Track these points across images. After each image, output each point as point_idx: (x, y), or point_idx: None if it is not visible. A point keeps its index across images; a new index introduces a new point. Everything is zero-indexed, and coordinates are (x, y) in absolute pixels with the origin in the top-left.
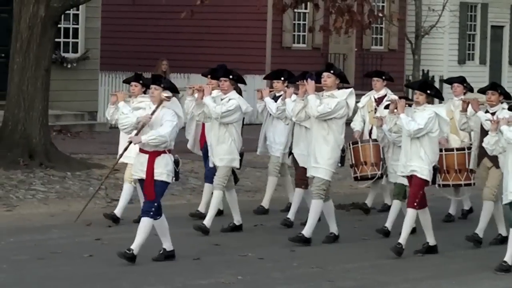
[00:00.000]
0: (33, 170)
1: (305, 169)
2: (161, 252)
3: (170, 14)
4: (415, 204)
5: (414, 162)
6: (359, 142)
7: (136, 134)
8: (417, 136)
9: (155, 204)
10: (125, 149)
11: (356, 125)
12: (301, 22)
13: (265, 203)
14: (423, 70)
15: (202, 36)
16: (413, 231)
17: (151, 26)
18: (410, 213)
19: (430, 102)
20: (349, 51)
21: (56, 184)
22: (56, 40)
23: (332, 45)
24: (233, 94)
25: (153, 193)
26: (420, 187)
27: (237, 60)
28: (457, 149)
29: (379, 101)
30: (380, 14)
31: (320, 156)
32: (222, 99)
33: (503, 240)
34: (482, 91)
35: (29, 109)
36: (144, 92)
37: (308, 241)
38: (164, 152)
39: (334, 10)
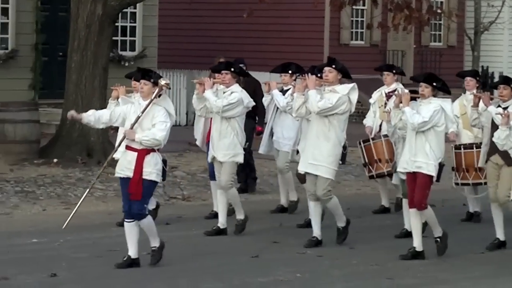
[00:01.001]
0: (91, 168)
1: None
2: (124, 258)
3: (228, 11)
4: (423, 204)
5: (419, 157)
6: (371, 140)
7: (119, 146)
8: (422, 130)
9: (145, 205)
10: (120, 143)
11: (368, 121)
12: (359, 19)
13: (284, 201)
14: (482, 67)
15: (260, 33)
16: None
17: (209, 24)
18: (425, 214)
19: (436, 95)
20: (407, 48)
21: (114, 182)
22: (114, 38)
23: (390, 42)
24: (236, 87)
25: (139, 193)
26: (426, 185)
27: (294, 58)
28: (477, 147)
29: (389, 95)
30: (439, 11)
31: (320, 153)
32: (224, 92)
33: (501, 245)
34: (494, 85)
35: (86, 108)
36: None
37: (320, 243)
38: (153, 150)
39: (392, 6)
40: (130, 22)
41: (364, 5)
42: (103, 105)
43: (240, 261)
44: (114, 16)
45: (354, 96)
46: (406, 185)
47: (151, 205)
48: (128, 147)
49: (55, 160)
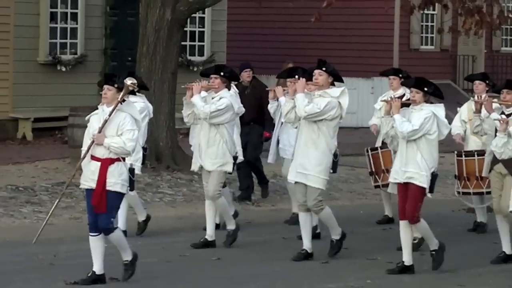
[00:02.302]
0: (160, 173)
1: None
2: (89, 274)
3: (296, 16)
4: (415, 217)
5: (410, 167)
6: (379, 149)
7: (86, 153)
8: (413, 139)
9: (112, 219)
10: (88, 150)
11: (373, 120)
12: (429, 24)
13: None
14: None
15: (328, 38)
16: None
17: (277, 29)
18: (418, 226)
19: (428, 101)
20: (478, 53)
21: (183, 187)
22: (182, 43)
23: (461, 47)
24: (225, 92)
25: (103, 205)
26: (418, 197)
27: (363, 63)
28: (478, 154)
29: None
30: (511, 15)
31: (308, 162)
32: (213, 98)
33: (507, 259)
34: (497, 90)
35: (155, 113)
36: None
37: (311, 255)
38: (118, 159)
39: (463, 11)
40: (199, 27)
41: (434, 9)
42: (171, 110)
43: (310, 266)
44: (183, 21)
45: (345, 101)
46: (398, 197)
47: (141, 217)
48: (92, 157)
49: None
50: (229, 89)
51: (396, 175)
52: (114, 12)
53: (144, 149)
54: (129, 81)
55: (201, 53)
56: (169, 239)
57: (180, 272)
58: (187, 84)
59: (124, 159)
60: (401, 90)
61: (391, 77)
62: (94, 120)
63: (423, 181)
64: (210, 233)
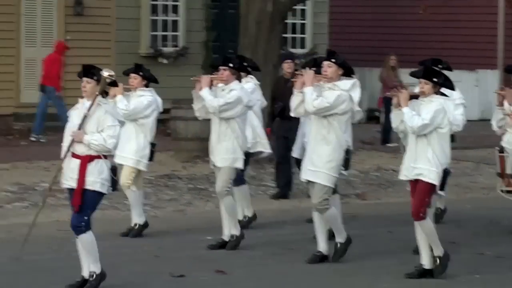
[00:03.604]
0: (263, 166)
1: None
2: (78, 279)
3: (399, 8)
4: (421, 214)
5: (420, 163)
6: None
7: (67, 150)
8: (423, 133)
9: (85, 218)
10: (69, 148)
11: None
12: None
13: None
14: None
15: (432, 30)
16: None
17: (379, 21)
18: (422, 225)
19: (438, 92)
20: None
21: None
22: (284, 35)
23: None
24: (235, 84)
25: (77, 203)
26: (426, 193)
27: (467, 55)
28: None
29: None
30: None
31: (319, 158)
32: (222, 90)
33: None
34: None
35: None
36: (146, 86)
37: (349, 242)
38: (98, 157)
39: None
40: (300, 19)
41: None
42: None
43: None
44: (284, 13)
45: (356, 94)
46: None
47: (140, 220)
48: (72, 154)
49: None
50: (239, 81)
51: (406, 172)
52: (215, 4)
53: (152, 144)
54: (105, 73)
55: (302, 46)
56: (273, 232)
57: (285, 266)
58: (195, 76)
59: (105, 156)
60: None
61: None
62: (74, 115)
63: (433, 178)
64: (226, 233)
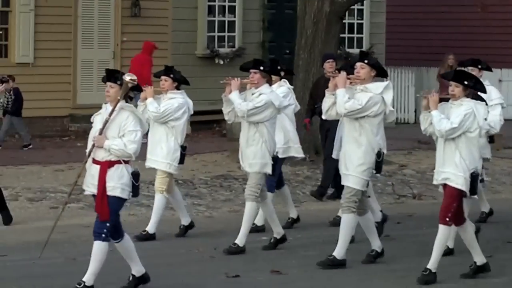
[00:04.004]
0: (319, 166)
1: None
2: (130, 279)
3: (457, 7)
4: (448, 219)
5: (448, 168)
6: None
7: (88, 156)
8: (451, 137)
9: (107, 224)
10: (90, 153)
11: None
12: None
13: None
14: None
15: (490, 29)
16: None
17: (437, 20)
18: (442, 230)
19: (469, 95)
20: None
21: None
22: (341, 35)
23: None
24: (265, 88)
25: (106, 211)
26: (453, 198)
27: None
28: None
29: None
30: None
31: (350, 162)
32: (252, 94)
33: None
34: None
35: None
36: (177, 88)
37: (342, 264)
38: (118, 162)
39: None
40: (357, 19)
41: None
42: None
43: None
44: (341, 13)
45: (389, 96)
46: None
47: (185, 221)
48: (93, 160)
49: None
50: (270, 84)
51: (437, 176)
52: (272, 4)
53: (182, 147)
54: (127, 77)
55: (359, 45)
56: (328, 232)
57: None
58: (225, 79)
59: (127, 161)
60: None
61: (470, 68)
62: (98, 121)
63: (460, 183)
64: (278, 230)
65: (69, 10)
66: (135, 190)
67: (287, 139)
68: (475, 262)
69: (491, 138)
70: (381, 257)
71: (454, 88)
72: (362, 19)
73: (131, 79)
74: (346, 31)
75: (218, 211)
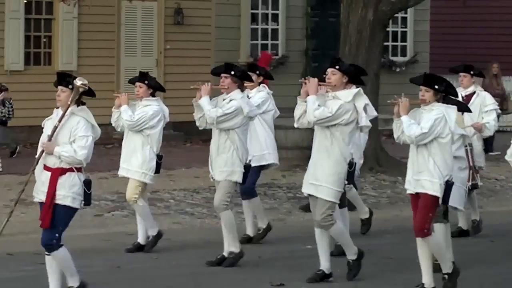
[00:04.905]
0: (364, 175)
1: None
2: None
3: (502, 15)
4: (426, 230)
5: (423, 175)
6: None
7: (37, 163)
8: (423, 143)
9: (56, 235)
10: (38, 159)
11: None
12: None
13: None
14: None
15: None
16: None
17: (482, 28)
18: (426, 242)
19: (440, 100)
20: None
21: (387, 188)
22: (385, 43)
23: None
24: (236, 94)
25: (48, 220)
26: (429, 208)
27: None
28: None
29: (466, 99)
30: None
31: (321, 172)
32: (224, 100)
33: None
34: None
35: None
36: (152, 94)
37: (328, 277)
38: (71, 169)
39: None
40: (401, 27)
41: None
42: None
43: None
44: (385, 21)
45: (361, 103)
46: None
47: (152, 232)
48: (44, 167)
49: None
50: (242, 90)
51: (409, 186)
52: (315, 12)
53: (158, 156)
54: (79, 81)
55: (403, 54)
56: (374, 241)
57: (387, 275)
58: (195, 84)
59: (79, 169)
60: (472, 88)
61: (461, 74)
62: (48, 126)
63: (436, 190)
64: (226, 249)
65: (112, 18)
66: (87, 199)
67: (262, 147)
68: (422, 283)
69: (486, 147)
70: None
71: (424, 92)
72: (406, 27)
73: (82, 84)
74: (390, 39)
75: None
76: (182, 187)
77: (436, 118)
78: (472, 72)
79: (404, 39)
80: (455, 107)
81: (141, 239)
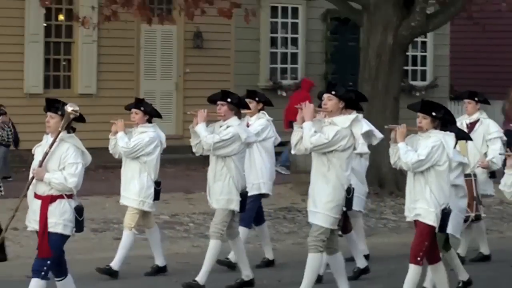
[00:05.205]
0: (384, 199)
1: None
2: None
3: None
4: (419, 258)
5: (419, 203)
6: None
7: (27, 189)
8: (419, 171)
9: (48, 262)
10: (29, 185)
11: None
12: None
13: None
14: None
15: None
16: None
17: (502, 53)
18: (413, 270)
19: (437, 127)
20: None
21: None
22: (404, 68)
23: None
24: (232, 121)
25: (46, 248)
26: (424, 236)
27: None
28: None
29: (471, 126)
30: None
31: (319, 199)
32: (220, 126)
33: None
34: None
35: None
36: (148, 121)
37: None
38: (61, 196)
39: None
40: (421, 52)
41: None
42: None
43: None
44: (405, 45)
45: (358, 130)
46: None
47: (159, 262)
48: (35, 195)
49: None
50: (239, 117)
51: (408, 213)
52: (335, 37)
53: (156, 183)
54: (70, 107)
55: (423, 78)
56: (393, 266)
57: None
58: (191, 111)
59: (69, 196)
60: (477, 115)
61: (466, 100)
62: (39, 152)
63: (432, 219)
64: (246, 273)
65: (131, 41)
66: (79, 225)
67: (258, 175)
68: None
69: (492, 173)
70: None
71: (422, 119)
72: (425, 51)
73: (73, 110)
74: (410, 64)
75: (282, 243)
76: (202, 210)
77: (433, 145)
78: (476, 99)
79: (424, 63)
80: (453, 134)
81: (158, 261)
